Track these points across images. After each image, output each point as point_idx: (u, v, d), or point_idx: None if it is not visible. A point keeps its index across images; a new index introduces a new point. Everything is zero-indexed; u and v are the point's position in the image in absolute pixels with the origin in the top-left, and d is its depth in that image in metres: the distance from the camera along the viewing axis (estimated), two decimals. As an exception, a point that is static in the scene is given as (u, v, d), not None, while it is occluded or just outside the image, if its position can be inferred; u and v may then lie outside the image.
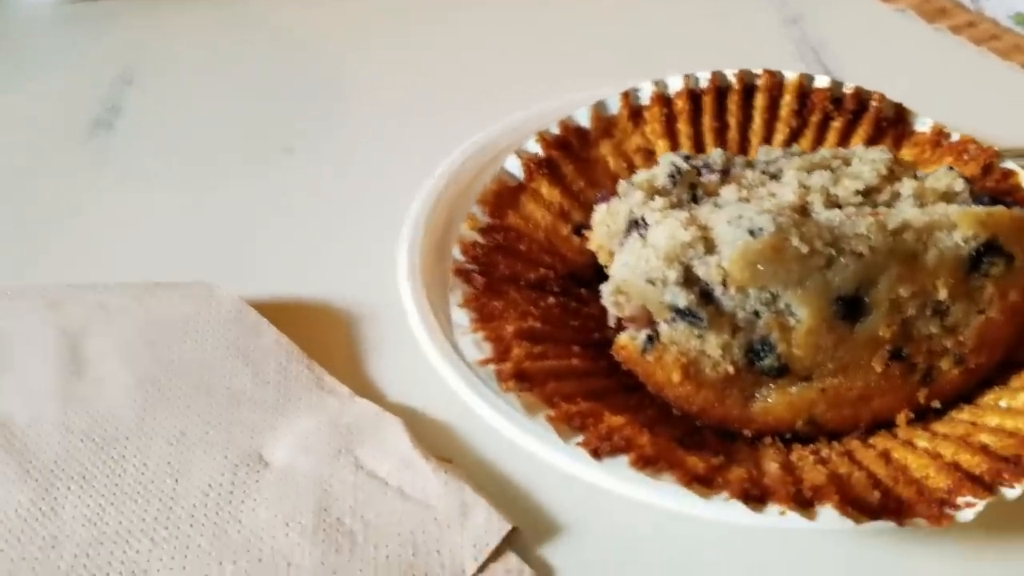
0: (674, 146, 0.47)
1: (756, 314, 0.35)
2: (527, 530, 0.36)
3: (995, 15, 0.69)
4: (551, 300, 0.41)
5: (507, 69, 0.61)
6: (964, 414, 0.36)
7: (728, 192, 0.38)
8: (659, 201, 0.37)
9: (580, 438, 0.34)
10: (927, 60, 0.64)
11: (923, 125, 0.47)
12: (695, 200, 0.38)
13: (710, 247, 0.35)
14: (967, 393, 0.37)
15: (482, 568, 0.34)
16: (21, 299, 0.42)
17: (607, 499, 0.35)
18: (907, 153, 0.47)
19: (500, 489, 0.37)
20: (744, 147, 0.47)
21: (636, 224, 0.37)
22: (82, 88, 0.61)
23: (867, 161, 0.39)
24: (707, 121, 0.47)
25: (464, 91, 0.59)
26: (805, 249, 0.34)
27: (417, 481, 0.37)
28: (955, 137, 0.46)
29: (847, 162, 0.39)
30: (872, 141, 0.47)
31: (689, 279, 0.35)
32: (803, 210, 0.36)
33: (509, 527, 0.35)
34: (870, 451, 0.35)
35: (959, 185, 0.37)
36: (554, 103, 0.51)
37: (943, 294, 0.35)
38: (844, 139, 0.47)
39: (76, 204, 0.51)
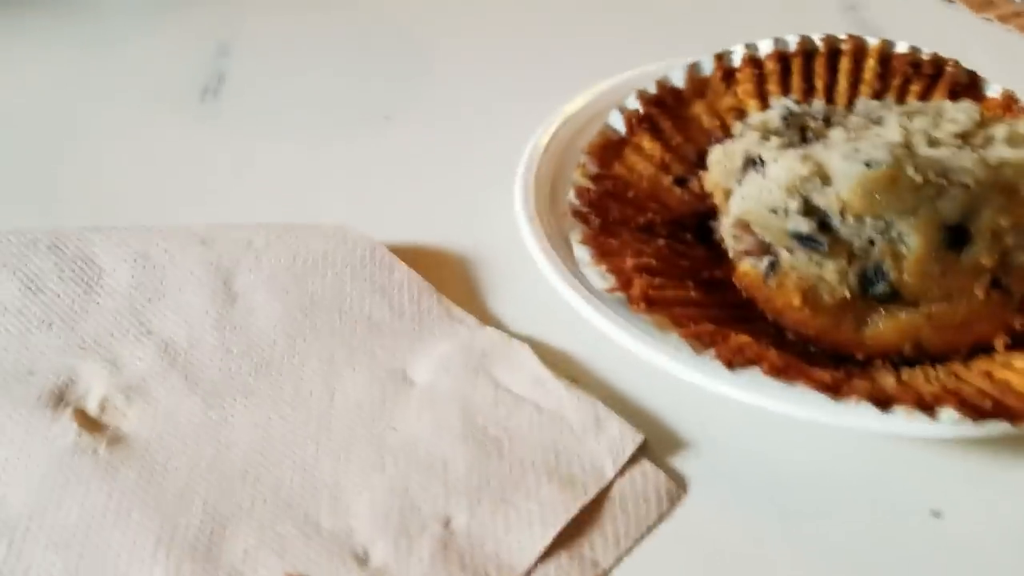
0: (763, 106, 0.50)
1: (871, 242, 0.38)
2: (658, 443, 0.39)
3: (1038, 3, 0.72)
4: (660, 242, 0.44)
5: (582, 41, 0.65)
6: (1060, 339, 0.39)
7: (837, 134, 0.41)
8: (774, 141, 0.41)
9: (713, 352, 0.37)
10: (974, 49, 0.67)
11: (994, 91, 0.50)
12: (805, 141, 0.42)
13: (826, 180, 0.38)
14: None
15: (620, 473, 0.38)
16: (175, 237, 0.45)
17: (735, 411, 0.38)
18: (982, 116, 0.50)
19: (628, 406, 0.40)
20: (830, 108, 0.51)
21: (753, 162, 0.40)
22: (182, 59, 0.64)
23: (961, 110, 0.42)
24: (796, 82, 0.51)
25: (550, 59, 0.63)
26: (919, 179, 0.37)
27: (551, 397, 0.40)
28: (1024, 101, 0.49)
29: (940, 113, 0.43)
30: (948, 104, 0.50)
31: (809, 209, 0.38)
32: (908, 149, 0.39)
33: (642, 438, 0.38)
34: (973, 371, 0.38)
35: (1052, 132, 0.41)
36: (630, 73, 0.54)
37: (1041, 225, 0.38)
38: (922, 101, 0.50)
39: (194, 153, 0.55)
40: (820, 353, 0.40)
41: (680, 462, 0.39)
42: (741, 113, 0.51)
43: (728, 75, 0.51)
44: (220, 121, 0.58)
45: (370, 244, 0.46)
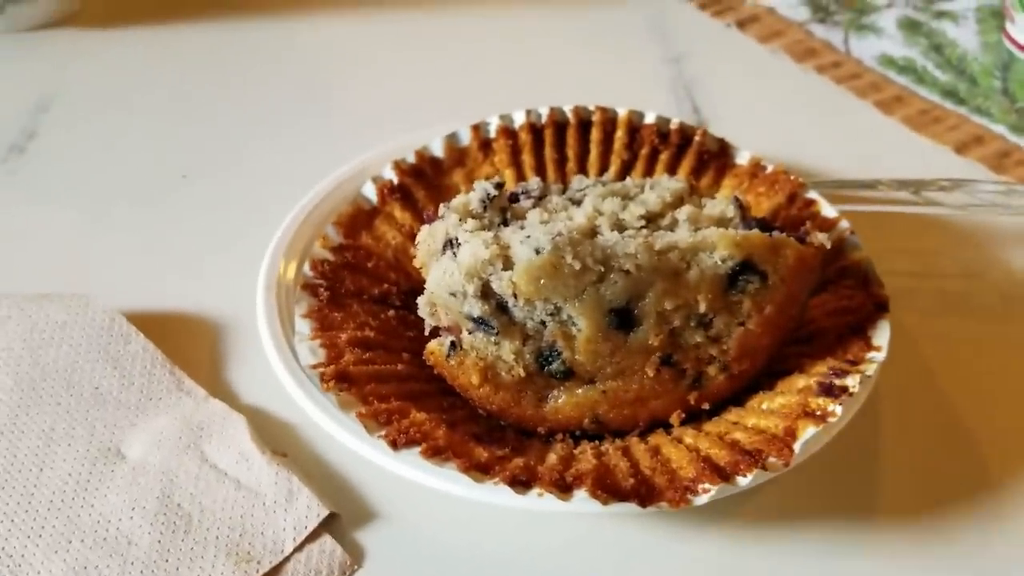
0: (519, 175, 0.52)
1: (543, 324, 0.39)
2: (346, 515, 0.41)
3: (861, 56, 0.74)
4: (391, 313, 0.46)
5: (392, 102, 0.67)
6: (731, 415, 0.40)
7: (533, 216, 0.43)
8: (471, 223, 0.42)
9: (383, 432, 0.39)
10: (788, 97, 0.69)
11: (742, 158, 0.52)
12: (506, 223, 0.43)
13: (509, 264, 0.40)
14: (736, 397, 0.41)
15: (300, 548, 0.39)
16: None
17: (412, 488, 0.39)
18: (728, 183, 0.52)
19: (326, 480, 0.42)
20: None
21: (451, 243, 0.42)
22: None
23: (659, 189, 0.44)
24: (548, 152, 0.52)
25: (344, 123, 0.65)
26: (578, 266, 0.38)
27: (252, 472, 0.41)
28: (769, 169, 0.51)
29: (628, 195, 0.44)
30: (696, 172, 0.52)
31: (487, 293, 0.39)
32: (592, 232, 0.41)
33: (327, 512, 0.40)
34: (643, 446, 0.40)
35: (731, 212, 0.42)
36: (426, 133, 0.56)
37: (704, 307, 0.39)
38: (671, 170, 0.52)
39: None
40: (509, 427, 0.41)
41: (364, 535, 0.40)
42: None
43: (485, 145, 0.53)
44: (16, 182, 0.60)
45: (109, 314, 0.47)
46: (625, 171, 0.53)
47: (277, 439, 0.44)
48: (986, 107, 0.67)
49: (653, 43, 0.76)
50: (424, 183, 0.52)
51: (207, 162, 0.62)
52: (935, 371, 0.47)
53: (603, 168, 0.53)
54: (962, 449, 0.43)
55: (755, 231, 0.41)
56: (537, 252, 0.39)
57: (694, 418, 0.41)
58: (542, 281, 0.39)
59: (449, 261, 0.41)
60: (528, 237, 0.39)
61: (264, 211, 0.54)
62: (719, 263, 0.40)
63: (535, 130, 0.53)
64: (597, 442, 0.41)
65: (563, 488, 0.37)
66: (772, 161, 0.51)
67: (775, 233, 0.41)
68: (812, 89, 0.70)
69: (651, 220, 0.43)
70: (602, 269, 0.39)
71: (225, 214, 0.57)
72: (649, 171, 0.52)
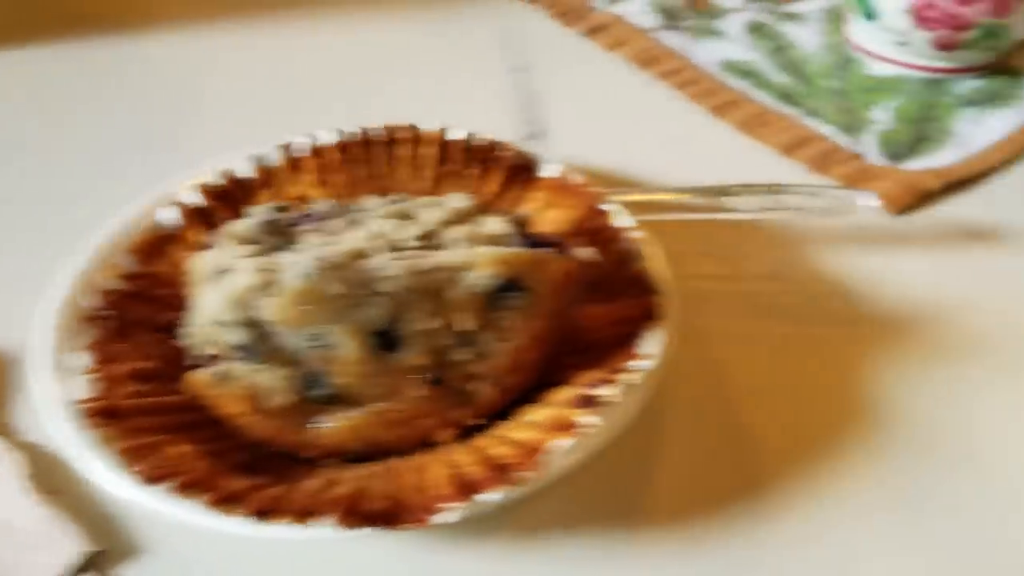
0: (329, 193, 0.52)
1: (307, 349, 0.39)
2: (114, 552, 0.40)
3: (703, 61, 0.75)
4: (176, 342, 0.45)
5: (222, 122, 0.66)
6: (500, 429, 0.40)
7: (311, 240, 0.42)
8: (244, 249, 0.41)
9: (138, 467, 0.38)
10: (626, 105, 0.69)
11: (551, 171, 0.52)
12: (286, 247, 0.42)
13: (274, 291, 0.39)
14: (508, 411, 0.41)
15: (60, 588, 0.38)
16: None
17: (179, 523, 0.38)
18: (539, 196, 0.51)
19: (98, 517, 0.41)
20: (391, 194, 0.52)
21: (222, 271, 0.41)
22: None
23: (442, 208, 0.44)
24: (357, 171, 0.52)
25: (170, 146, 0.64)
26: (338, 290, 0.38)
27: (18, 511, 0.40)
28: (573, 181, 0.51)
29: (407, 215, 0.44)
30: (505, 187, 0.52)
31: (250, 320, 0.39)
32: (360, 255, 0.40)
33: (92, 550, 0.39)
34: (410, 465, 0.39)
35: (505, 229, 0.42)
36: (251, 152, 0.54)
37: (468, 325, 0.39)
38: (479, 186, 0.52)
39: None
40: (279, 454, 0.41)
41: (130, 572, 0.39)
42: (303, 200, 0.51)
43: (294, 165, 0.52)
44: None
45: None
46: (434, 187, 0.52)
47: (53, 477, 0.43)
48: (818, 108, 0.68)
49: (501, 53, 0.76)
50: (230, 205, 0.51)
51: (14, 188, 0.60)
52: (730, 374, 0.47)
53: (413, 186, 0.52)
54: (743, 452, 0.43)
55: (521, 248, 0.40)
56: (300, 278, 0.38)
57: (470, 433, 0.41)
58: (303, 307, 0.38)
59: (214, 289, 0.40)
60: (294, 264, 0.39)
61: (70, 240, 0.52)
62: (482, 281, 0.39)
63: (343, 148, 0.52)
64: (368, 463, 0.40)
65: (309, 515, 0.36)
66: (600, 171, 0.52)
67: (542, 249, 0.41)
68: (650, 97, 0.70)
69: (430, 239, 0.42)
70: (363, 292, 0.38)
71: (31, 242, 0.56)
72: (457, 188, 0.52)
